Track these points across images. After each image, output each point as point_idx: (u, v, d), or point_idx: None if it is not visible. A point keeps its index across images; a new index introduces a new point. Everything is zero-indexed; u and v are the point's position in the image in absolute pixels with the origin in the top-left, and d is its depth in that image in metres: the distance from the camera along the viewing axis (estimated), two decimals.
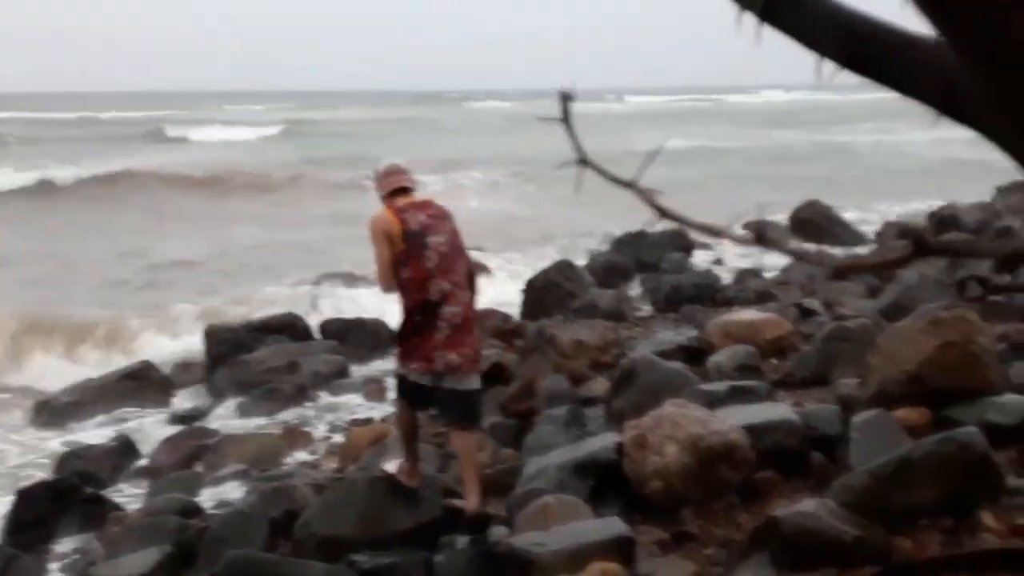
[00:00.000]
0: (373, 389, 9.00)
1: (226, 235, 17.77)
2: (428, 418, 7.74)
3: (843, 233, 14.34)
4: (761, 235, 1.34)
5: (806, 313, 8.32)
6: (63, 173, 26.62)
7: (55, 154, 33.18)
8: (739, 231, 1.43)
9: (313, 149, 35.62)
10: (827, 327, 6.78)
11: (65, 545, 5.93)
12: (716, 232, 1.38)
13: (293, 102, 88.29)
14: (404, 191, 5.01)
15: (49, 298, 12.93)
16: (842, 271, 3.02)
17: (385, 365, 9.86)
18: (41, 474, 7.03)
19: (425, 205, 5.01)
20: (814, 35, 1.64)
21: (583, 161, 1.17)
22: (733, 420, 5.09)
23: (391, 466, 5.46)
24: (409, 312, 4.91)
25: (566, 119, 1.16)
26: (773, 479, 4.96)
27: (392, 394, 8.68)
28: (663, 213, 1.29)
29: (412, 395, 5.05)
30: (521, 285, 11.27)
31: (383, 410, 8.31)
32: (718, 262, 12.12)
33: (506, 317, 10.68)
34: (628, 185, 1.17)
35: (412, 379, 4.97)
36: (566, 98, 1.17)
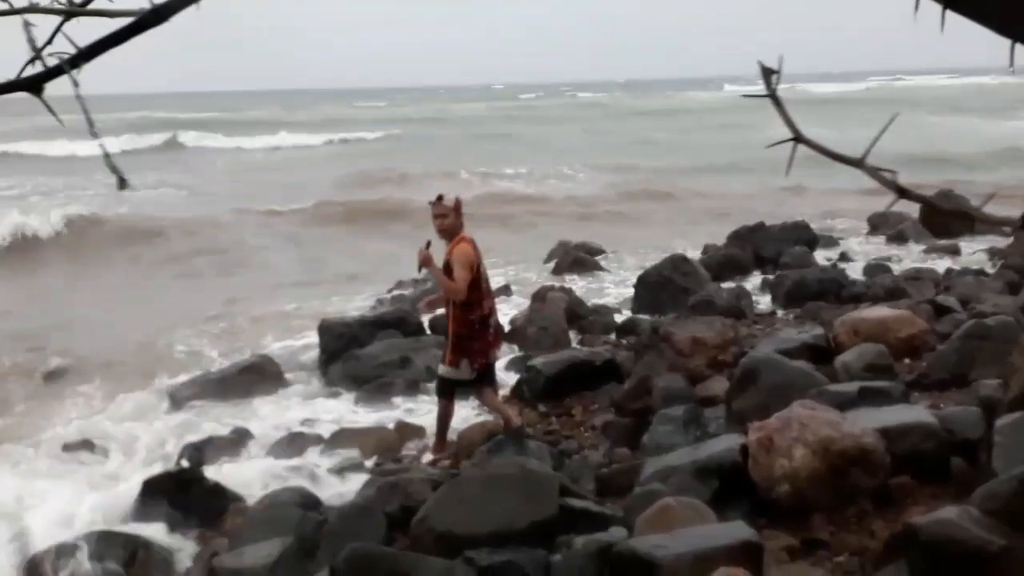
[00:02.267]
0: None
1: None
2: (540, 416, 7.70)
3: None
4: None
5: (941, 310, 7.90)
6: None
7: None
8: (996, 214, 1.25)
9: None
10: (965, 325, 6.41)
11: (188, 535, 6.06)
12: (969, 216, 1.22)
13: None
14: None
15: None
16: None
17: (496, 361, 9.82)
18: (165, 465, 7.21)
19: (475, 242, 6.59)
20: (1007, 17, 1.47)
21: (797, 139, 1.03)
22: (866, 423, 4.84)
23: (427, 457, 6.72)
24: (472, 323, 6.54)
25: (774, 95, 1.02)
26: (909, 485, 4.71)
27: (502, 389, 8.66)
28: (903, 193, 1.13)
29: (454, 389, 6.83)
30: (631, 282, 11.10)
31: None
32: (844, 257, 11.62)
33: (618, 313, 10.52)
34: (856, 164, 1.03)
35: (464, 377, 6.66)
36: (769, 72, 1.04)
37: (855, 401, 5.39)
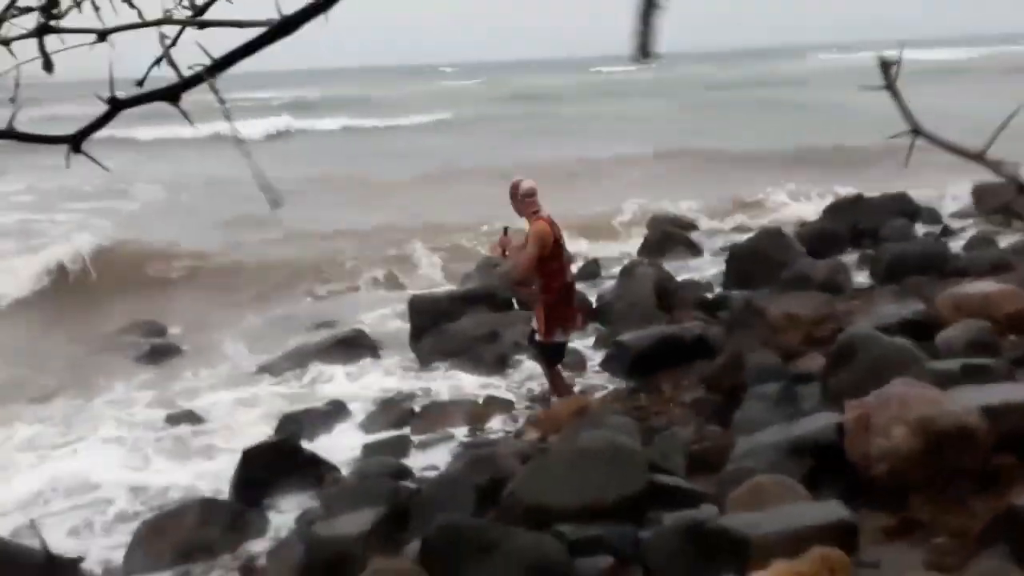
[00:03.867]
0: (573, 360, 8.96)
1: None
2: (629, 392, 7.68)
3: None
4: None
5: None
6: None
7: None
8: None
9: None
10: None
11: (286, 503, 6.24)
12: None
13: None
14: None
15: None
16: None
17: (584, 338, 9.82)
18: (264, 435, 7.43)
19: (552, 219, 7.23)
20: None
21: (916, 131, 0.99)
22: (968, 401, 4.68)
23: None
24: (557, 292, 7.18)
25: (891, 86, 0.99)
26: (1013, 465, 4.53)
27: (591, 364, 8.65)
28: (1021, 188, 1.08)
29: (558, 354, 7.41)
30: (722, 256, 10.93)
31: (583, 381, 8.27)
32: (947, 230, 11.19)
33: (708, 288, 10.38)
34: (975, 157, 0.98)
35: (558, 340, 7.27)
36: (887, 64, 1.00)
37: (957, 379, 5.21)
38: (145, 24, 1.16)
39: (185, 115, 1.12)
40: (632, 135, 27.73)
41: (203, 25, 1.14)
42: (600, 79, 65.49)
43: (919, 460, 4.44)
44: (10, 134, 1.16)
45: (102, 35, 1.17)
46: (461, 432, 7.30)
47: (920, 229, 11.22)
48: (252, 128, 33.62)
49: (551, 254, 7.10)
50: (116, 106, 1.14)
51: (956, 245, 10.41)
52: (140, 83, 1.16)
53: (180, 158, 27.27)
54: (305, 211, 16.34)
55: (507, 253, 7.36)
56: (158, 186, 21.53)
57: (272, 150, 27.89)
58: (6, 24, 1.17)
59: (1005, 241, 10.30)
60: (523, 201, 7.15)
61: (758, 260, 10.24)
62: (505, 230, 7.41)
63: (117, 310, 11.97)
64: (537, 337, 7.28)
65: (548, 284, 7.15)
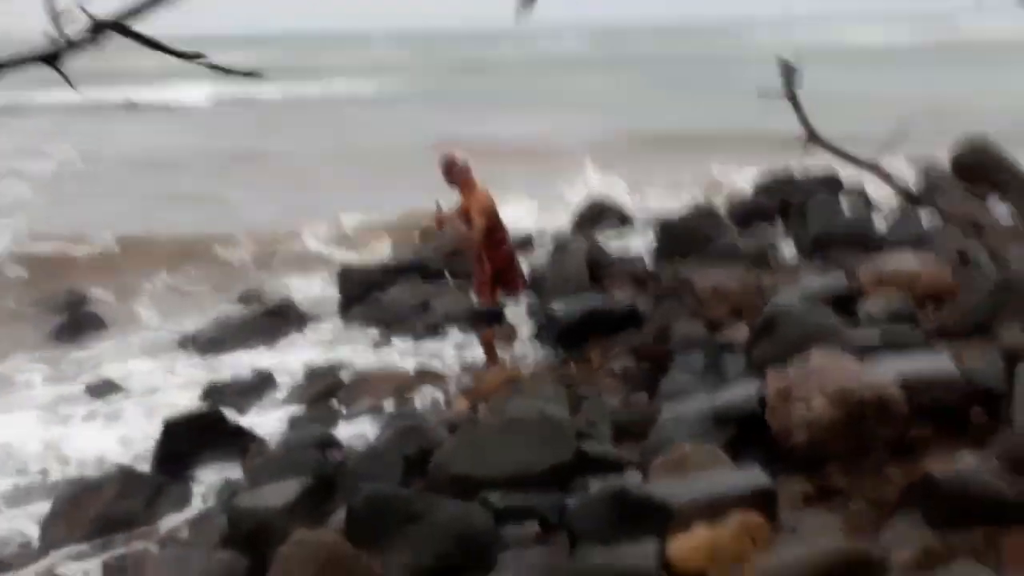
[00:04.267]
0: (503, 331, 8.96)
1: None
2: (559, 362, 7.72)
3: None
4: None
5: (967, 260, 7.77)
6: None
7: None
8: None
9: None
10: (991, 276, 6.31)
11: (209, 475, 6.14)
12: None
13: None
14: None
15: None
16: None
17: (516, 307, 9.82)
18: (187, 406, 7.29)
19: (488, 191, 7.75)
20: None
21: (814, 139, 0.99)
22: (886, 371, 4.79)
23: None
24: (502, 259, 7.77)
25: (792, 96, 0.98)
26: (928, 435, 4.67)
27: (522, 335, 8.66)
28: (915, 201, 1.08)
29: (496, 318, 8.02)
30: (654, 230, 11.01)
31: (514, 352, 8.28)
32: (870, 204, 11.42)
33: (639, 261, 10.46)
34: (870, 168, 0.99)
35: (497, 306, 7.92)
36: (790, 70, 0.99)
37: (876, 349, 5.33)
38: None
39: (65, 78, 1.06)
40: (577, 110, 27.79)
41: None
42: (534, 51, 65.04)
43: (838, 430, 4.54)
44: None
45: None
46: (390, 403, 7.25)
47: (845, 205, 11.43)
48: (196, 94, 32.84)
49: (494, 224, 7.62)
50: None
51: (879, 221, 10.64)
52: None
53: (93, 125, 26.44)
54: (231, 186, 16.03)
55: (444, 226, 7.80)
56: (74, 152, 20.89)
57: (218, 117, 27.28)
58: None
59: (927, 217, 10.55)
60: (459, 174, 7.52)
61: (688, 234, 10.34)
62: (438, 204, 7.58)
63: (35, 280, 11.61)
64: (478, 301, 7.98)
65: (493, 253, 7.66)
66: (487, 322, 8.03)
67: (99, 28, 1.08)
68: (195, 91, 32.94)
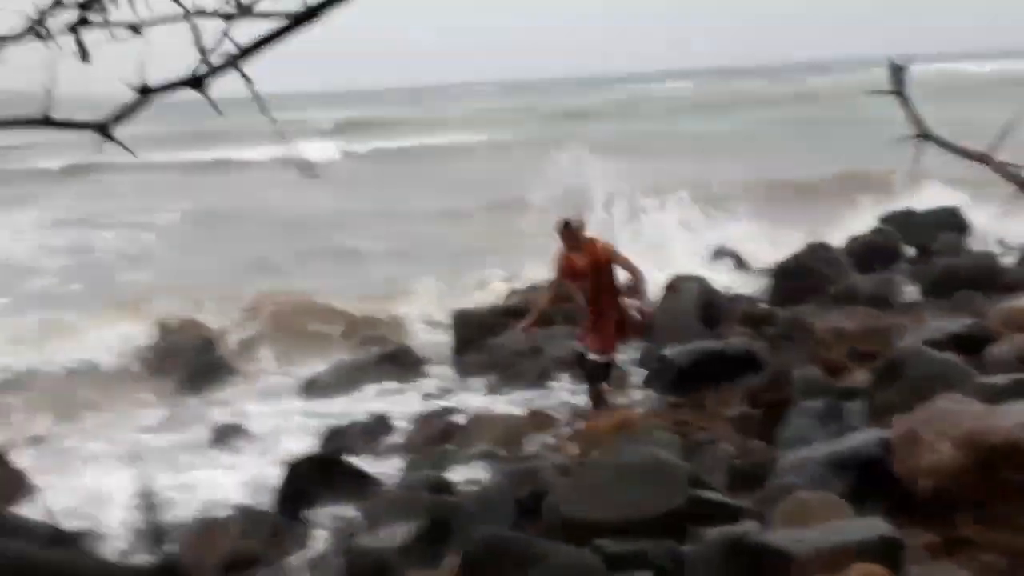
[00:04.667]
0: (614, 376, 8.91)
1: None
2: (671, 407, 7.62)
3: None
4: None
5: None
6: None
7: None
8: None
9: None
10: None
11: (328, 516, 6.27)
12: None
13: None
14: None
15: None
16: None
17: (627, 355, 9.75)
18: (309, 448, 7.49)
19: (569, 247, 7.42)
20: None
21: (924, 135, 0.99)
22: (1018, 416, 4.58)
23: None
24: (624, 309, 7.41)
25: (900, 92, 0.99)
26: None
27: (635, 380, 8.59)
28: None
29: (601, 372, 7.43)
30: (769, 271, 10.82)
31: (626, 397, 8.22)
32: (1000, 243, 10.95)
33: (755, 303, 10.29)
34: (981, 159, 0.99)
35: (598, 358, 7.41)
36: (898, 69, 1.01)
37: (1008, 394, 5.10)
38: (183, 15, 1.19)
39: (213, 104, 1.15)
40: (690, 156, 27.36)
41: (233, 16, 1.17)
42: (636, 96, 64.35)
43: (966, 476, 4.36)
44: (44, 121, 1.19)
45: (136, 28, 1.21)
46: (502, 447, 7.28)
47: (971, 243, 11.01)
48: (308, 150, 33.85)
49: (584, 276, 7.32)
50: (145, 92, 1.17)
51: (1007, 259, 10.20)
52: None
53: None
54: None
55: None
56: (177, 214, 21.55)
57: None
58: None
59: None
60: (579, 232, 7.36)
61: (805, 275, 10.12)
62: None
63: (166, 326, 12.13)
64: (596, 355, 7.38)
65: (617, 303, 7.40)
66: (595, 374, 7.47)
67: (241, 55, 1.16)
68: (320, 146, 33.65)
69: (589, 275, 7.31)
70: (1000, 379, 5.41)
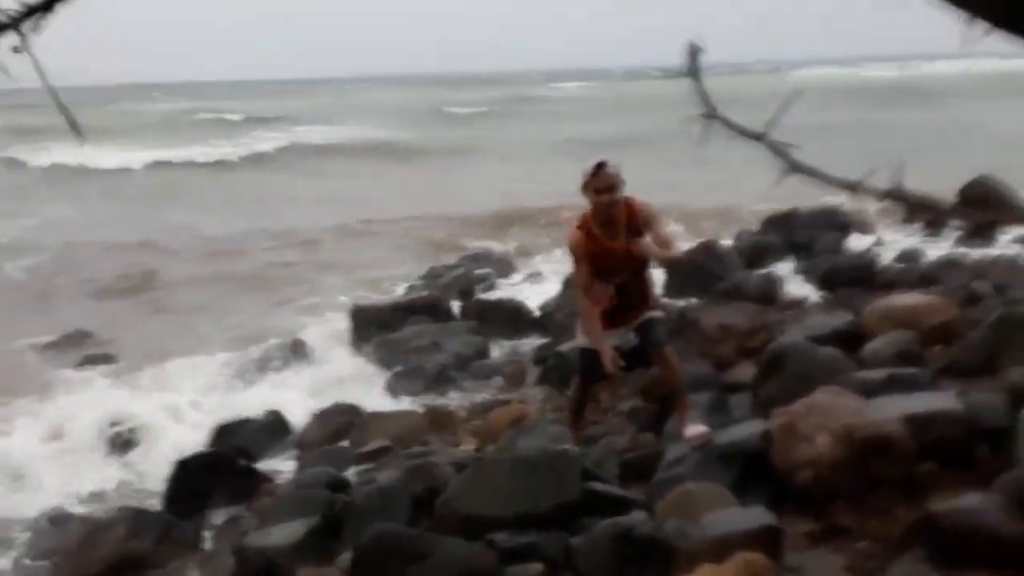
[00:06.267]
0: (513, 370, 9.01)
1: None
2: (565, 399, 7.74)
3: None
4: (894, 191, 1.20)
5: (975, 297, 7.79)
6: None
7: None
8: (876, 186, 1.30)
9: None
10: (996, 312, 6.32)
11: (219, 514, 6.18)
12: (852, 187, 1.25)
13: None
14: None
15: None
16: (983, 226, 2.80)
17: (523, 346, 9.87)
18: (198, 446, 7.34)
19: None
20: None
21: (711, 115, 1.06)
22: (892, 410, 4.81)
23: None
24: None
25: (694, 71, 1.05)
26: (934, 472, 4.66)
27: (532, 375, 8.69)
28: (794, 167, 1.17)
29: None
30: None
31: (522, 392, 8.31)
32: (878, 243, 11.48)
33: None
34: (757, 138, 1.06)
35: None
36: (695, 51, 1.06)
37: (883, 388, 5.34)
38: None
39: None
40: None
41: None
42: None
43: (842, 467, 4.55)
44: None
45: None
46: (399, 442, 7.28)
47: (853, 241, 11.49)
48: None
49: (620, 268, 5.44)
50: None
51: (886, 258, 10.68)
52: None
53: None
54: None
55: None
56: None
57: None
58: None
59: (933, 254, 10.59)
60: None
61: (695, 271, 10.39)
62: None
63: (47, 319, 11.73)
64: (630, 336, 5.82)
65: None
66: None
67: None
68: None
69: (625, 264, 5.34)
70: (876, 374, 5.65)
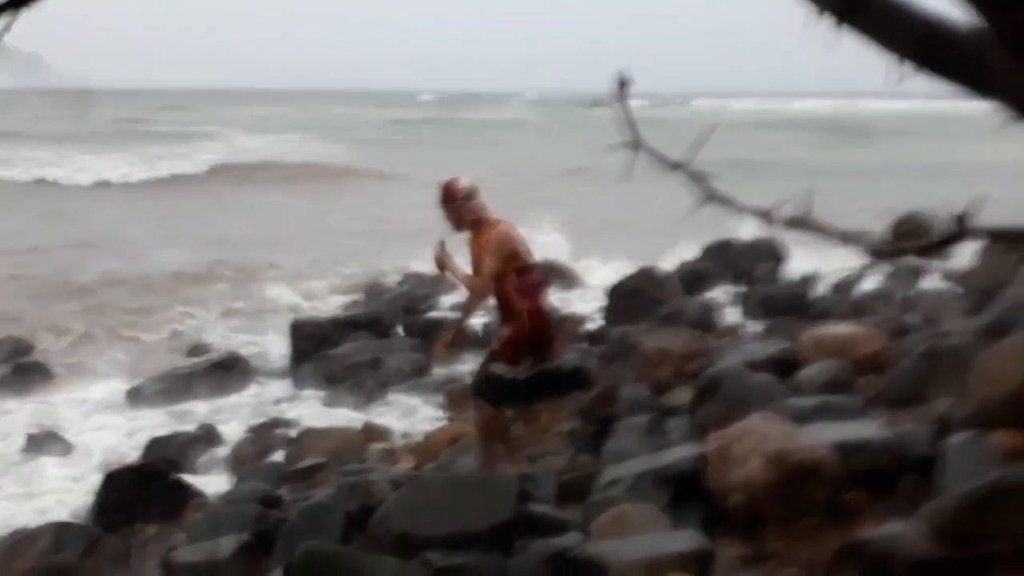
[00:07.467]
0: (452, 389, 8.99)
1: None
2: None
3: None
4: (798, 218, 1.26)
5: (904, 329, 8.00)
6: None
7: None
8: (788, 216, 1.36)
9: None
10: (925, 343, 6.50)
11: (147, 529, 6.06)
12: (764, 214, 1.31)
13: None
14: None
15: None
16: (885, 254, 2.91)
17: (465, 365, 9.85)
18: (129, 459, 7.20)
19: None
20: (893, 35, 1.55)
21: (636, 144, 1.10)
22: (822, 436, 4.91)
23: None
24: (546, 316, 5.99)
25: (622, 100, 1.09)
26: (862, 499, 4.76)
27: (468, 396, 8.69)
28: (710, 196, 1.22)
29: (512, 392, 6.08)
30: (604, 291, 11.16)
31: (461, 410, 8.30)
32: (814, 274, 11.74)
33: (588, 322, 10.59)
34: (676, 167, 1.11)
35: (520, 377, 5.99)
36: (623, 82, 1.11)
37: (814, 415, 5.45)
38: None
39: None
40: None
41: None
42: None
43: (774, 492, 4.62)
44: None
45: None
46: (336, 459, 7.21)
47: (789, 270, 11.75)
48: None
49: (523, 268, 5.68)
50: None
51: (821, 288, 10.93)
52: None
53: None
54: None
55: (447, 272, 5.82)
56: None
57: None
58: None
59: (867, 285, 10.85)
60: (463, 205, 5.61)
61: (637, 296, 10.50)
62: (442, 243, 5.73)
63: None
64: (496, 366, 5.98)
65: (540, 309, 5.87)
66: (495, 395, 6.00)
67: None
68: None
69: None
70: (808, 401, 5.77)
